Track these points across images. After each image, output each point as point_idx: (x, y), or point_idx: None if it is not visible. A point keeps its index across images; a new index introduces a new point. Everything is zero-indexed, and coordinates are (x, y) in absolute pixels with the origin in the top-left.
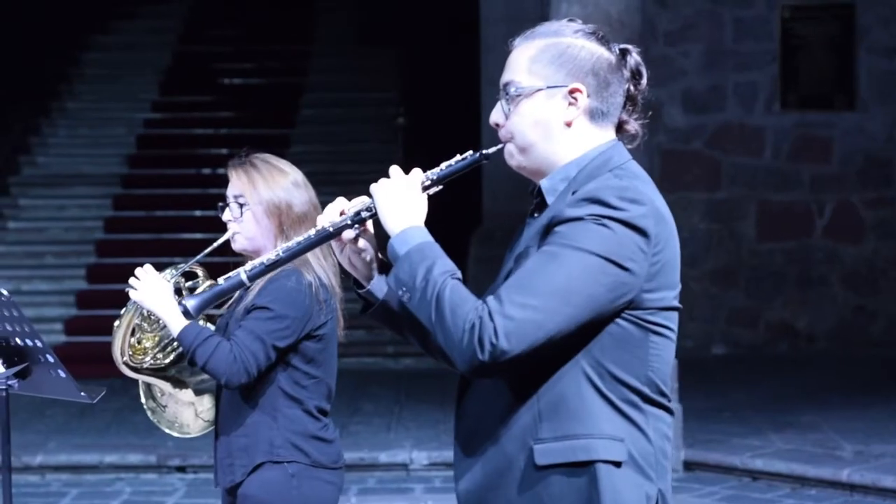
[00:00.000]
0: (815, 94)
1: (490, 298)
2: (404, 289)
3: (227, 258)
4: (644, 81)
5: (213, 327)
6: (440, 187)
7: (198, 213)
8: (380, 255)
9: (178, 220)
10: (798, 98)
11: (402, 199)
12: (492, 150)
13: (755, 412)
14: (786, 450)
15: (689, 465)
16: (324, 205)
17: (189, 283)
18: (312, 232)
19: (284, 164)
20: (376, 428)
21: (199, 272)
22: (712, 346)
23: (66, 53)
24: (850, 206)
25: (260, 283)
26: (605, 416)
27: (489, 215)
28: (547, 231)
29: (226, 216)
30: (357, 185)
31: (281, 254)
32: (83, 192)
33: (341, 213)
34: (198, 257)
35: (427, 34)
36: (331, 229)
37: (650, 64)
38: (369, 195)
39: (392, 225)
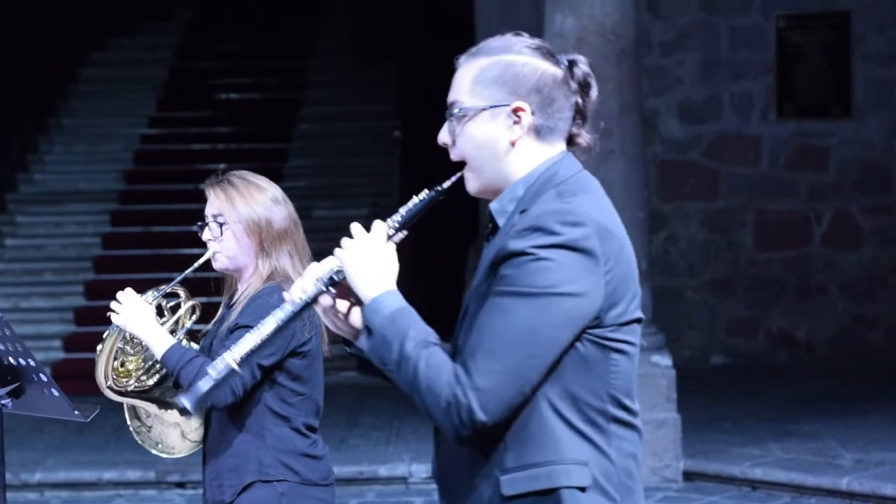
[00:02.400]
0: (812, 103)
1: (460, 371)
2: (383, 363)
3: (211, 273)
4: (593, 93)
5: (197, 347)
6: (405, 233)
7: (195, 228)
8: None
9: (175, 236)
10: (794, 107)
11: (370, 259)
12: (446, 183)
13: (755, 422)
14: (785, 459)
15: (688, 475)
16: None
17: (171, 304)
18: (289, 306)
19: (262, 181)
20: (375, 441)
21: (181, 293)
22: (711, 356)
23: (63, 70)
24: (847, 214)
25: (242, 301)
26: (567, 441)
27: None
28: (495, 266)
29: (205, 235)
30: (354, 199)
31: (264, 333)
32: (81, 208)
33: (315, 280)
34: (178, 279)
35: (424, 48)
36: (307, 299)
37: (646, 74)
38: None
39: (363, 290)
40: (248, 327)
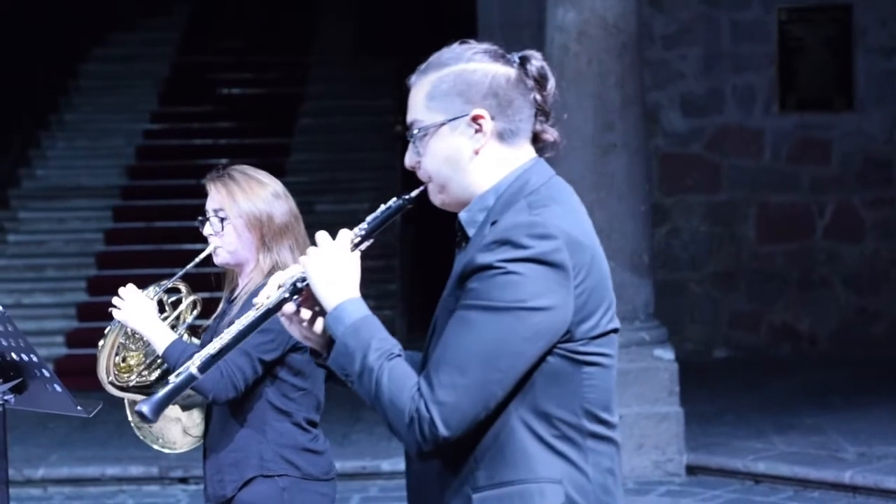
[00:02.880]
0: (814, 96)
1: (423, 383)
2: (345, 373)
3: (212, 268)
4: (551, 85)
5: (198, 342)
6: (371, 241)
7: (197, 223)
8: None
9: (178, 231)
10: (797, 100)
11: (333, 268)
12: (414, 193)
13: (758, 415)
14: (788, 452)
15: (691, 469)
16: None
17: (172, 299)
18: (253, 312)
19: (263, 175)
20: (378, 436)
21: (182, 288)
22: (714, 349)
23: (65, 65)
24: (850, 206)
25: (243, 297)
26: (540, 458)
27: None
28: (462, 280)
29: (206, 230)
30: (356, 193)
31: (227, 341)
32: (83, 204)
33: (279, 287)
34: (179, 274)
35: (425, 43)
36: (271, 306)
37: (648, 68)
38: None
39: (326, 299)
40: None
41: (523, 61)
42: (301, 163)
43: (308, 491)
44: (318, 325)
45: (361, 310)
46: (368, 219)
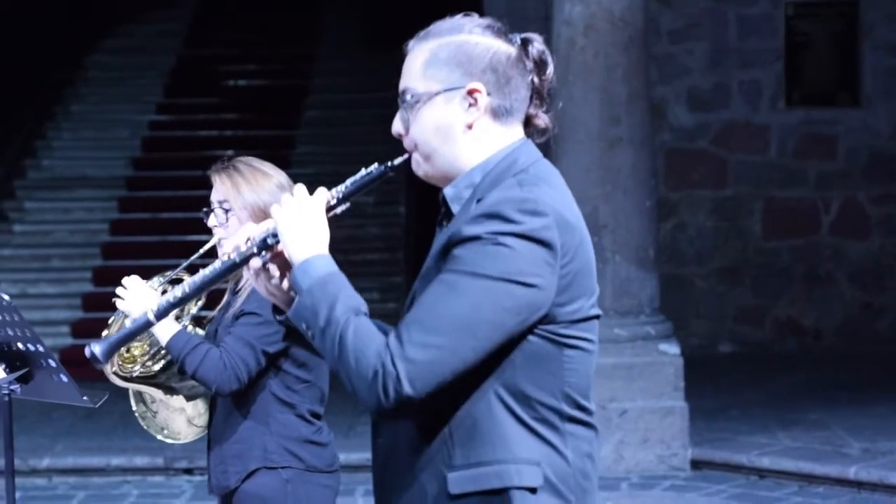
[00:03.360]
0: (820, 92)
1: (392, 339)
2: (305, 325)
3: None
4: (549, 71)
5: (202, 333)
6: (347, 204)
7: (202, 214)
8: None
9: (183, 222)
10: (803, 95)
11: (304, 223)
12: (398, 160)
13: (762, 410)
14: (793, 447)
15: (696, 464)
16: None
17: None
18: (218, 263)
19: (268, 167)
20: None
21: (187, 278)
22: (719, 344)
23: (71, 56)
24: (855, 202)
25: (248, 288)
26: (518, 439)
27: None
28: (446, 251)
29: (211, 222)
30: None
31: (187, 289)
32: (88, 194)
33: (247, 241)
34: (184, 265)
35: None
36: (237, 259)
37: (655, 62)
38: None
39: (294, 253)
40: (254, 314)
41: (525, 43)
42: (306, 155)
43: (311, 483)
44: (285, 283)
45: (329, 266)
46: (348, 181)
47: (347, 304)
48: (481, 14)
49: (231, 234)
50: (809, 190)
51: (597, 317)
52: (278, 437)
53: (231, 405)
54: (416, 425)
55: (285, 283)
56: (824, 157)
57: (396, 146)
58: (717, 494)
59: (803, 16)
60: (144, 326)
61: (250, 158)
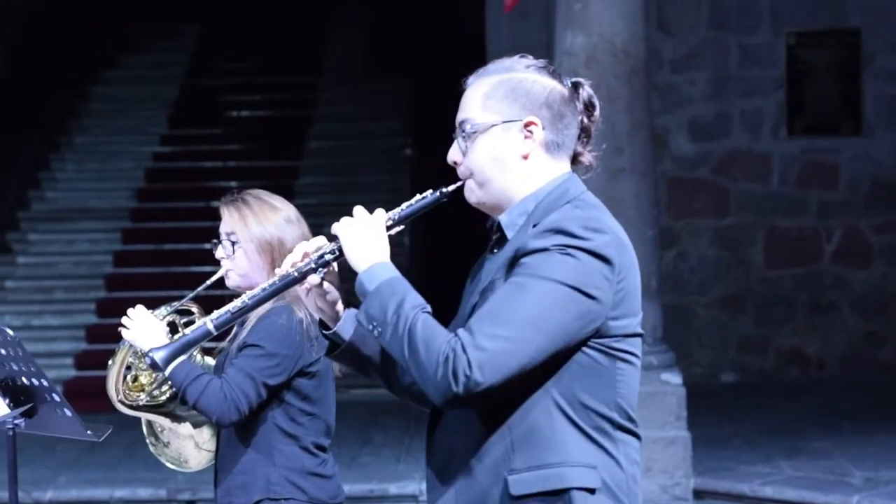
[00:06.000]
0: (822, 120)
1: (461, 331)
2: (375, 324)
3: (225, 291)
4: (597, 113)
5: (213, 362)
6: (402, 227)
7: (207, 245)
8: (344, 297)
9: (187, 253)
10: (804, 124)
11: (368, 236)
12: (451, 187)
13: (765, 439)
14: (796, 477)
15: (699, 493)
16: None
17: (184, 321)
18: (276, 278)
19: (276, 200)
20: (386, 460)
21: (195, 309)
22: (722, 373)
23: (75, 87)
24: (858, 231)
25: (252, 320)
26: (576, 444)
27: None
28: (512, 263)
29: (219, 253)
30: None
31: (247, 301)
32: (92, 226)
33: (305, 257)
34: (191, 295)
35: (434, 65)
36: (295, 274)
37: (656, 91)
38: (333, 237)
39: (359, 262)
40: (256, 346)
41: (575, 86)
42: (310, 185)
43: None
44: (334, 297)
45: (394, 271)
46: (404, 205)
47: (414, 301)
48: (483, 44)
49: (237, 266)
50: (811, 219)
51: (641, 335)
52: (282, 468)
53: (235, 436)
54: (477, 429)
55: (332, 298)
56: (826, 186)
57: (402, 178)
58: None
59: (805, 45)
60: (204, 336)
61: (260, 191)
